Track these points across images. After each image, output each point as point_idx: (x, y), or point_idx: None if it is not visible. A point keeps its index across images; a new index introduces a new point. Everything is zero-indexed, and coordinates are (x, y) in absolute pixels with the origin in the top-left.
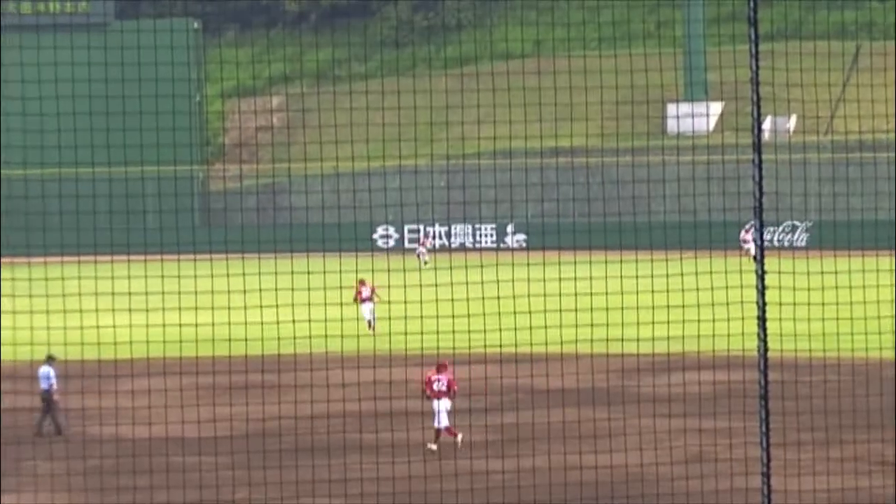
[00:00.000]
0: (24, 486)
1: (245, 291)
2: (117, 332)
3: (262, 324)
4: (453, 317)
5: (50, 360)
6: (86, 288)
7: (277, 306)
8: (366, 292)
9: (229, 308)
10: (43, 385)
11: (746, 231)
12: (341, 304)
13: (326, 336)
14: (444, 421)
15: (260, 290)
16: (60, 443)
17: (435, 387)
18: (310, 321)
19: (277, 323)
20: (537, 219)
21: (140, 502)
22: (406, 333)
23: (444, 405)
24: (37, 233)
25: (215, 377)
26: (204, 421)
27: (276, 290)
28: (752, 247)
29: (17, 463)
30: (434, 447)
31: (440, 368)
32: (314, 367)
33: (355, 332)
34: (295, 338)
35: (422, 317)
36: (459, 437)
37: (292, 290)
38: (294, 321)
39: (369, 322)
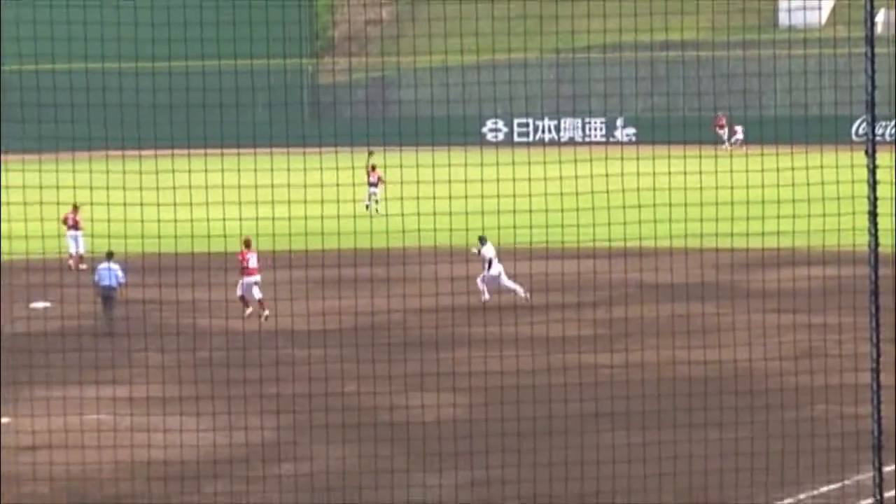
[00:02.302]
0: (136, 378)
1: (354, 185)
2: (228, 224)
3: (370, 217)
4: (562, 211)
5: (110, 256)
6: (195, 181)
7: (386, 199)
8: (373, 178)
9: (338, 201)
10: (107, 282)
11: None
12: (450, 198)
13: (435, 230)
14: (257, 294)
15: (368, 183)
16: (172, 335)
17: (250, 264)
18: (418, 215)
19: (386, 216)
20: (647, 113)
21: (250, 394)
22: (514, 227)
23: (253, 280)
24: (149, 126)
25: (324, 270)
26: (314, 314)
27: (385, 183)
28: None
29: (128, 354)
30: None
31: (248, 244)
32: (423, 261)
33: (464, 225)
34: (404, 231)
35: (530, 211)
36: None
37: (401, 183)
38: (402, 214)
39: (367, 205)
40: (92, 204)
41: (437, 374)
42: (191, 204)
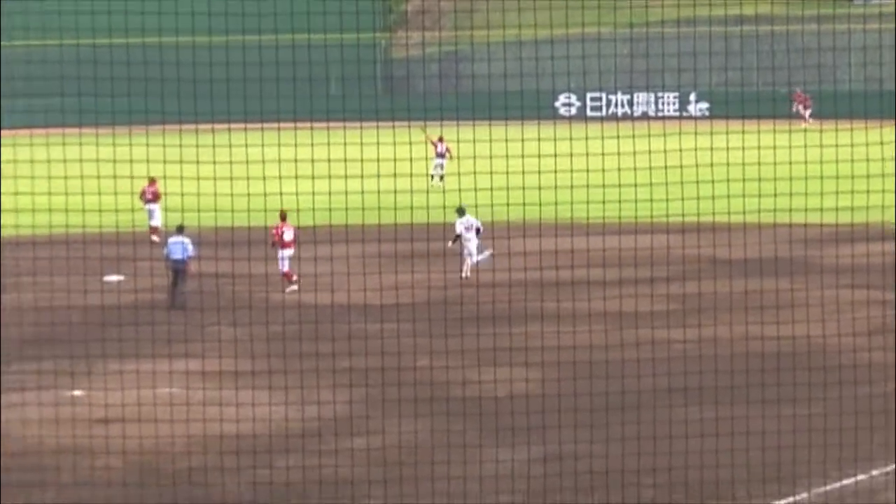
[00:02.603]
0: (208, 352)
1: (427, 159)
2: (300, 199)
3: (443, 192)
4: (635, 185)
5: (180, 230)
6: (268, 155)
7: (459, 174)
8: (441, 148)
9: (411, 175)
10: (178, 255)
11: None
12: (523, 173)
13: (508, 204)
14: (286, 266)
15: (436, 154)
16: (244, 309)
17: (286, 238)
18: (491, 189)
19: (459, 191)
20: (720, 87)
21: (322, 368)
22: (588, 202)
23: (288, 253)
24: (221, 100)
25: (397, 245)
26: (386, 288)
27: (458, 157)
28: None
29: (201, 328)
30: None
31: (284, 217)
32: (496, 236)
33: (537, 200)
34: (477, 206)
35: (604, 186)
36: (296, 279)
37: (474, 157)
38: (476, 189)
39: (432, 176)
40: (165, 178)
41: (509, 348)
42: (264, 178)
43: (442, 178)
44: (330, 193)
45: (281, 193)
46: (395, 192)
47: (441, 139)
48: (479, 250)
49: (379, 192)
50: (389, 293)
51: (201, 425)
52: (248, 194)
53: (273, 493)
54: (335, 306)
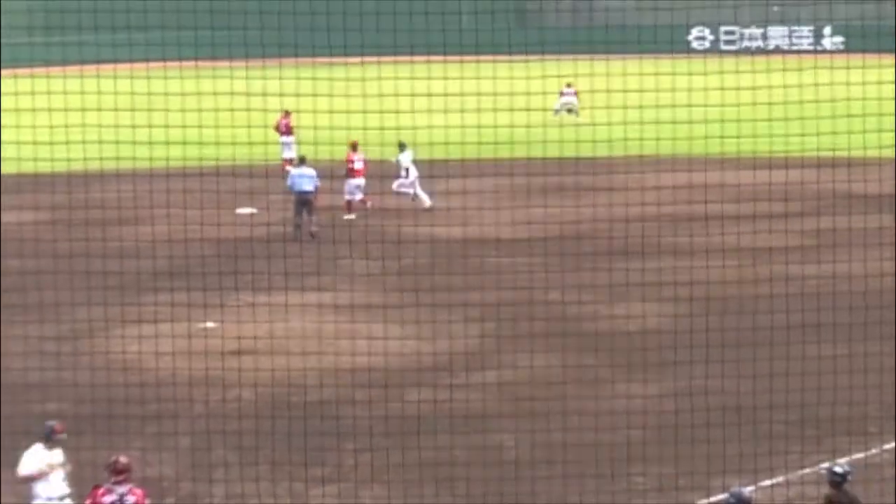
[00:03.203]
0: (340, 285)
1: (561, 93)
2: (433, 132)
3: (576, 126)
4: (770, 121)
5: (302, 161)
6: (402, 88)
7: (592, 108)
8: (569, 90)
9: (544, 110)
10: (306, 186)
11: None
12: (656, 107)
13: (641, 140)
14: (359, 195)
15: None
16: (376, 242)
17: (355, 166)
18: (625, 124)
19: (593, 125)
20: (856, 21)
21: (454, 302)
22: (722, 137)
23: (357, 182)
24: (354, 34)
25: (529, 179)
26: (518, 223)
27: (591, 91)
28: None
29: (334, 262)
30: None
31: (355, 147)
32: (629, 171)
33: (672, 135)
34: (611, 140)
35: (738, 120)
36: (369, 204)
37: (607, 91)
38: (609, 124)
39: (556, 111)
40: (299, 111)
41: (641, 283)
42: (396, 112)
43: (570, 111)
44: (462, 127)
45: (414, 128)
46: (528, 126)
47: (569, 85)
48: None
49: (512, 126)
50: (521, 227)
51: (333, 358)
52: (382, 128)
53: (404, 427)
54: (467, 240)
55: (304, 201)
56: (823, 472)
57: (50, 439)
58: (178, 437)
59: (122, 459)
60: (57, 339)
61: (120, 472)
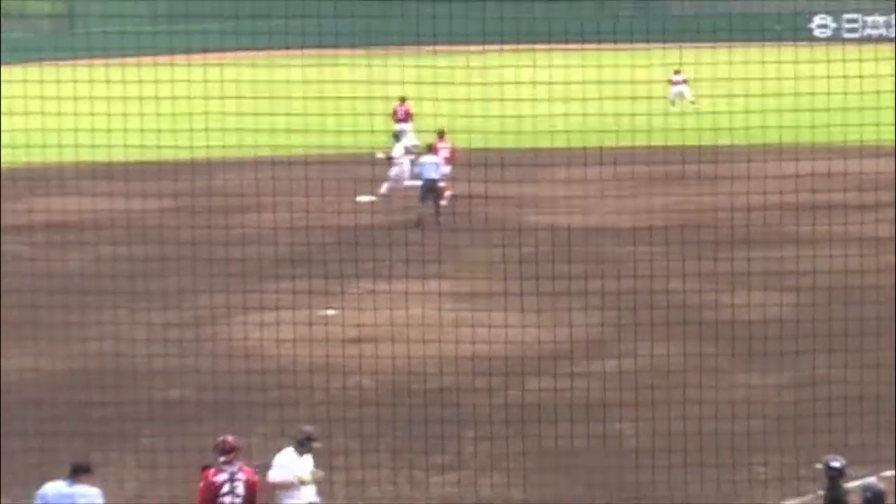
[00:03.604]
0: (461, 273)
1: (673, 83)
2: (553, 120)
3: (696, 114)
4: (895, 108)
5: (429, 148)
6: (507, 76)
7: (714, 96)
8: (678, 77)
9: (663, 98)
10: (431, 174)
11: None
12: (779, 95)
13: (764, 127)
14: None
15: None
16: (496, 230)
17: (440, 154)
18: (746, 113)
19: (713, 113)
20: None
21: (574, 290)
22: (844, 125)
23: (446, 170)
24: (476, 22)
25: (650, 167)
26: (639, 211)
27: (713, 80)
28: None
29: (454, 249)
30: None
31: (441, 135)
32: (752, 159)
33: (794, 122)
34: (731, 129)
35: (861, 109)
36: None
37: (729, 80)
38: (730, 112)
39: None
40: (420, 99)
41: (763, 273)
42: (518, 100)
43: (693, 101)
44: (584, 115)
45: (534, 116)
46: (650, 115)
47: (677, 72)
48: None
49: (633, 115)
50: (642, 216)
51: (453, 346)
52: (503, 116)
53: (524, 415)
54: (587, 229)
55: (430, 188)
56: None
57: (303, 445)
58: (300, 424)
59: (230, 439)
60: (180, 325)
61: (228, 452)
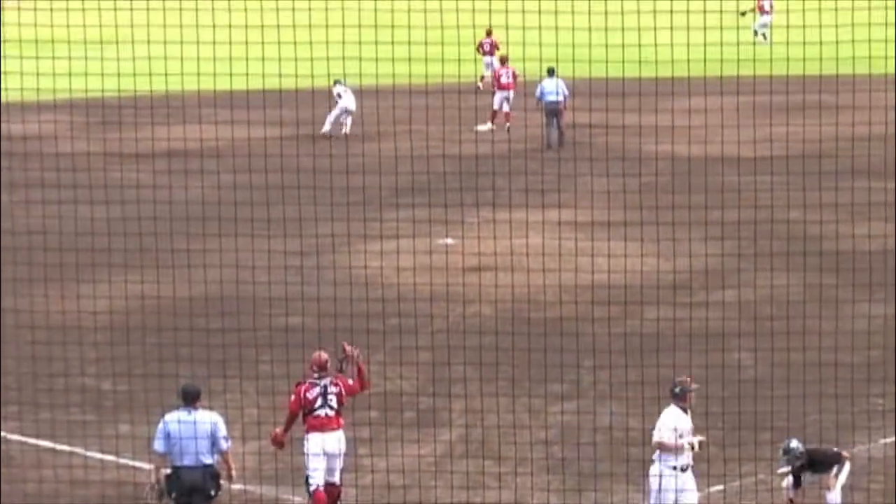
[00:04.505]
0: (581, 202)
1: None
2: (659, 50)
3: (806, 43)
4: None
5: (551, 73)
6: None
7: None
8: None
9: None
10: (553, 96)
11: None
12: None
13: (886, 58)
14: (506, 107)
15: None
16: (616, 160)
17: (502, 80)
18: (869, 42)
19: (836, 42)
20: None
21: (694, 220)
22: None
23: (504, 95)
24: None
25: (772, 97)
26: (760, 140)
27: (816, 10)
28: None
29: (574, 179)
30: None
31: (503, 61)
32: (841, 90)
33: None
34: (854, 58)
35: None
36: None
37: (869, 10)
38: (853, 41)
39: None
40: (524, 28)
41: (884, 203)
42: (639, 28)
43: (765, 36)
44: (705, 45)
45: (639, 45)
46: (773, 43)
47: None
48: None
49: (754, 43)
50: (763, 145)
51: (572, 275)
52: (606, 45)
53: (643, 345)
54: (708, 158)
55: (552, 110)
56: None
57: (682, 398)
58: (419, 352)
59: (323, 355)
60: (301, 253)
61: (322, 368)
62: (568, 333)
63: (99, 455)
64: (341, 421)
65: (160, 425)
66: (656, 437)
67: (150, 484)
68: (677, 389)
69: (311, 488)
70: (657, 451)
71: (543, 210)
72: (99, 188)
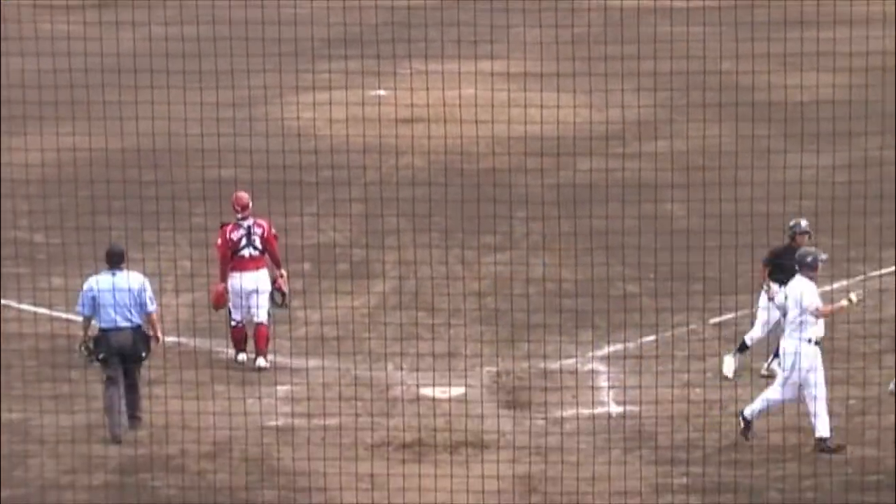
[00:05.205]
0: (513, 53)
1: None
2: None
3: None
4: None
5: None
6: None
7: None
8: None
9: None
10: None
11: None
12: None
13: None
14: None
15: None
16: (549, 10)
17: None
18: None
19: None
20: None
21: (626, 71)
22: None
23: None
24: None
25: None
26: None
27: None
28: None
29: (506, 30)
30: None
31: None
32: None
33: None
34: None
35: None
36: None
37: None
38: None
39: None
40: None
41: (816, 53)
42: None
43: None
44: None
45: None
46: None
47: None
48: None
49: None
50: None
51: (505, 126)
52: None
53: (575, 195)
54: (641, 8)
55: None
56: None
57: (812, 267)
58: (352, 203)
59: (244, 195)
60: (232, 105)
61: (244, 207)
62: (501, 184)
63: (32, 308)
64: (264, 261)
65: (84, 288)
66: (814, 305)
67: (82, 340)
68: (809, 259)
69: (231, 324)
70: (792, 326)
71: (476, 61)
72: (29, 40)
